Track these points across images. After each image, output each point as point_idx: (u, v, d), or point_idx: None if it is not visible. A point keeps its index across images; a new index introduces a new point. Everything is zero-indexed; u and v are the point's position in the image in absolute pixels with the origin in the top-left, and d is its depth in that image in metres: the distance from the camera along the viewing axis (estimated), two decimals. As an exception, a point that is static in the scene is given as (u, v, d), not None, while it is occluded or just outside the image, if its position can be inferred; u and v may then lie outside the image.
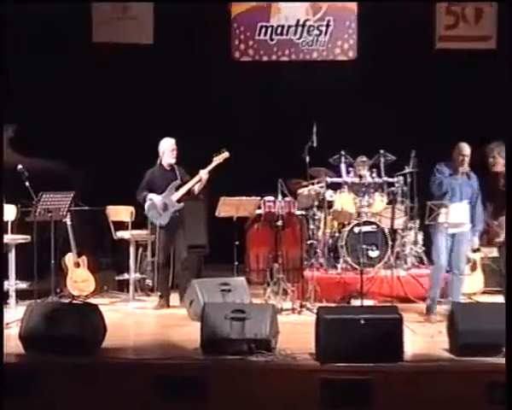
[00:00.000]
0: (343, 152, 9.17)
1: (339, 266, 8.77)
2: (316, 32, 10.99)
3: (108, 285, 9.29)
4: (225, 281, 7.70)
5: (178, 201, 8.38)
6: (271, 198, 9.04)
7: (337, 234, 8.98)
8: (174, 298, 8.46)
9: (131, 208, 8.92)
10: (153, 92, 10.63)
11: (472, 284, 8.62)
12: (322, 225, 9.08)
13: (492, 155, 7.71)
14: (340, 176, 9.19)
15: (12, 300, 8.18)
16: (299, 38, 11.06)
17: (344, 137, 9.54)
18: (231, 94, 10.64)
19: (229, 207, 8.29)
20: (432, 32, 10.75)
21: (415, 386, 5.52)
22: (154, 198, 8.33)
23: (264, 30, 11.06)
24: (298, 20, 11.00)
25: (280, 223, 8.39)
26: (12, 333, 6.49)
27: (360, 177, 8.98)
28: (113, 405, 5.57)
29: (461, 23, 10.73)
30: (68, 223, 8.74)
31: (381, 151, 9.15)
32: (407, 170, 9.12)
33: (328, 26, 10.98)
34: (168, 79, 10.64)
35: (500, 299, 7.40)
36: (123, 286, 9.24)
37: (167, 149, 8.39)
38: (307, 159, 8.63)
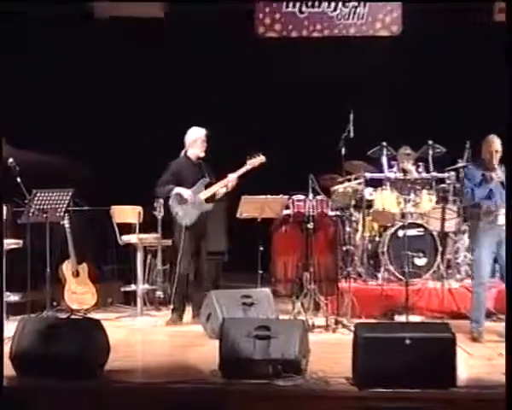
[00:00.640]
0: (384, 143, 9.16)
1: (380, 275, 8.77)
2: (353, 3, 10.97)
3: (113, 298, 9.35)
4: (247, 293, 7.70)
5: (206, 201, 8.40)
6: (301, 197, 9.02)
7: (377, 238, 8.98)
8: (186, 313, 8.49)
9: (139, 208, 8.95)
10: (166, 78, 10.71)
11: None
12: (360, 228, 9.09)
13: None
14: (381, 171, 9.18)
15: (2, 314, 8.25)
16: (333, 11, 11.06)
17: (385, 125, 9.51)
18: (254, 76, 10.65)
19: (251, 207, 8.29)
20: (490, 3, 10.68)
21: (470, 416, 5.50)
22: (183, 192, 8.31)
23: (292, 1, 11.06)
24: (332, -10, 11.04)
25: (311, 225, 8.38)
26: (1, 352, 6.54)
27: (404, 172, 8.98)
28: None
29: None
30: (66, 225, 8.80)
31: (430, 142, 9.14)
32: (460, 164, 9.08)
33: (367, -5, 10.99)
34: (181, 63, 10.72)
35: None
36: (129, 299, 9.29)
37: (198, 139, 8.38)
38: (343, 151, 8.63)
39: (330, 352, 6.88)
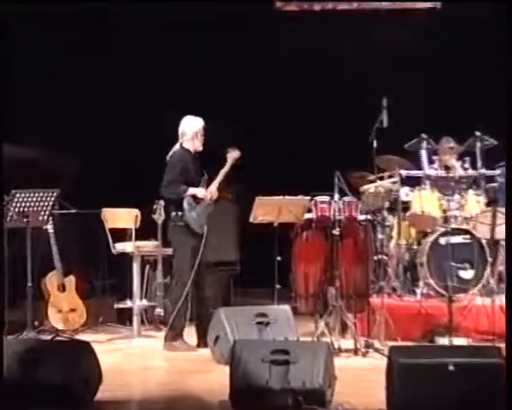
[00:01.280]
0: (424, 135, 9.15)
1: (418, 291, 8.78)
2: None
3: (105, 316, 9.35)
4: (263, 310, 7.71)
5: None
6: (325, 198, 9.00)
7: (415, 247, 8.99)
8: (188, 333, 8.46)
9: (136, 212, 8.97)
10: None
11: None
12: (394, 235, 9.09)
13: None
14: (419, 168, 9.20)
15: (-24, 335, 8.28)
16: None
17: (425, 114, 9.49)
18: (271, 54, 10.68)
19: (267, 209, 8.30)
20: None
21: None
22: (198, 192, 8.31)
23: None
24: (361, -44, 11.08)
25: (337, 231, 8.36)
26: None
27: (447, 168, 8.97)
28: None
29: None
30: (50, 231, 8.81)
31: (477, 133, 9.13)
32: (513, 159, 9.05)
33: (402, -39, 11.03)
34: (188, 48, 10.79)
35: None
36: (124, 317, 9.32)
37: (199, 131, 8.40)
38: (375, 144, 8.61)
39: (360, 380, 6.89)
